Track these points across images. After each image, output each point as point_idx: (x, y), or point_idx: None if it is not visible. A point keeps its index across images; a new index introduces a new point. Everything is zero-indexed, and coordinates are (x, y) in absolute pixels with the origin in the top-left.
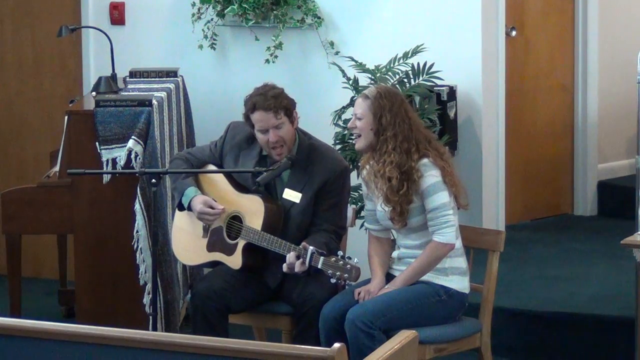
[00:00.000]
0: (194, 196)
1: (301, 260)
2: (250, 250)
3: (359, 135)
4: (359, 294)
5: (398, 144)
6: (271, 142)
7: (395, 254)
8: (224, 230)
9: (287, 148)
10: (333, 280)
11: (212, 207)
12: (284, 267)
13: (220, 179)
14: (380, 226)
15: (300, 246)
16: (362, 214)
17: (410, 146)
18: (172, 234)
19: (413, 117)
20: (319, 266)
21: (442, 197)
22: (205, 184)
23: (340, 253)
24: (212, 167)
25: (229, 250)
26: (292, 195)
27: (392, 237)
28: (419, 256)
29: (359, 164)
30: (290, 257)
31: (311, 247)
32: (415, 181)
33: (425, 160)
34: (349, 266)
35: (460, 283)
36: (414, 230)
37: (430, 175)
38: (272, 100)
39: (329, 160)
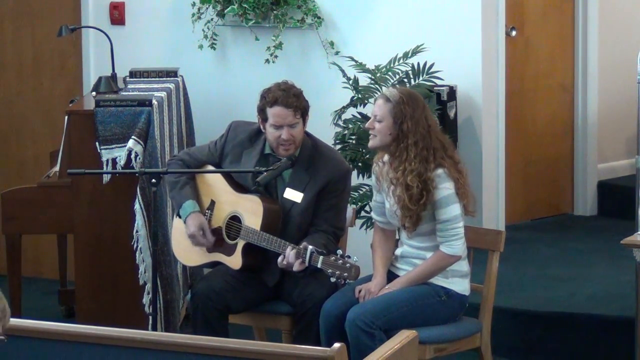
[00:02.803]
0: (191, 212)
1: (300, 260)
2: (250, 250)
3: (376, 136)
4: (359, 292)
5: (419, 152)
6: (283, 139)
7: (398, 251)
8: (223, 231)
9: (294, 148)
10: (333, 280)
11: (204, 232)
12: (279, 260)
13: (218, 179)
14: (386, 218)
15: (301, 246)
16: (363, 213)
17: (428, 155)
18: (172, 235)
19: (432, 123)
20: (319, 265)
21: (454, 210)
22: (204, 185)
23: (339, 252)
24: (211, 168)
25: (229, 251)
26: (293, 195)
27: (397, 236)
28: (423, 262)
29: (359, 164)
30: (290, 256)
31: (310, 247)
32: (430, 191)
33: (440, 171)
34: (348, 265)
35: (460, 285)
36: (421, 234)
37: (444, 188)
38: (294, 99)
39: (332, 162)
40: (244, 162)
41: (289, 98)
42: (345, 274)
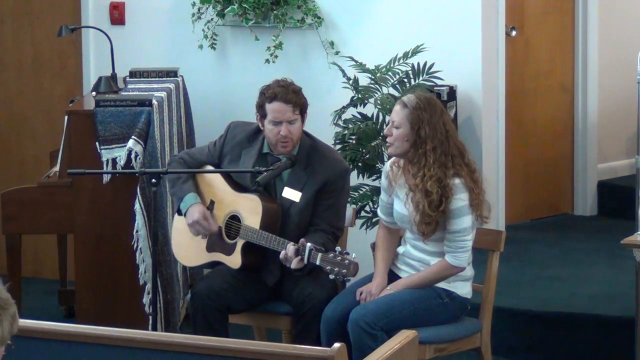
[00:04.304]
0: (192, 204)
1: (299, 257)
2: (250, 249)
3: (392, 143)
4: (360, 293)
5: (437, 157)
6: (282, 135)
7: (400, 249)
8: (222, 230)
9: (292, 145)
10: (332, 276)
11: (207, 220)
12: (281, 255)
13: (218, 179)
14: (392, 218)
15: (299, 243)
16: (363, 213)
17: (447, 160)
18: (171, 235)
19: (450, 128)
20: (317, 262)
21: (465, 222)
22: (203, 185)
23: (338, 249)
24: (210, 168)
25: (228, 250)
26: (291, 194)
27: (400, 234)
28: (426, 268)
29: (359, 164)
30: (290, 250)
31: (309, 244)
32: (447, 198)
33: (457, 181)
34: (347, 261)
35: (462, 288)
36: (431, 240)
37: (459, 199)
38: (293, 95)
39: (330, 161)
40: (242, 162)
41: (288, 94)
42: (344, 271)
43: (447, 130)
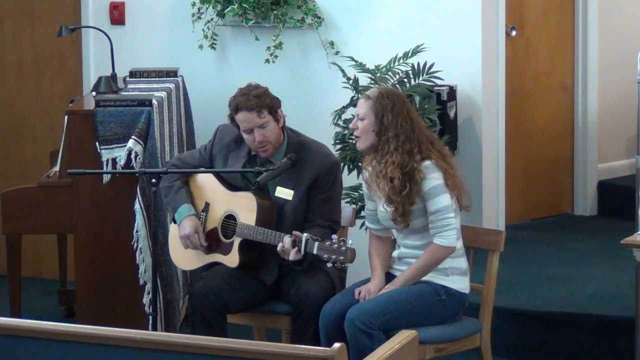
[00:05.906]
0: (186, 216)
1: (296, 248)
2: (247, 247)
3: (359, 136)
4: (359, 293)
5: (400, 144)
6: (257, 141)
7: (395, 253)
8: (219, 231)
9: (272, 147)
10: (329, 264)
11: (198, 235)
12: (278, 247)
13: (211, 181)
14: (381, 226)
15: (294, 234)
16: (362, 213)
17: (412, 147)
18: (169, 241)
19: (415, 118)
20: (315, 251)
21: (444, 200)
22: (197, 188)
23: (334, 237)
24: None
25: (226, 250)
26: (284, 193)
27: (392, 237)
28: (419, 257)
29: (360, 164)
30: (286, 242)
31: (305, 234)
32: (417, 183)
33: (427, 162)
34: (343, 248)
35: (460, 283)
36: (416, 231)
37: (432, 178)
38: (254, 100)
39: (319, 156)
40: (231, 164)
41: (249, 101)
42: (342, 258)
43: (412, 119)
